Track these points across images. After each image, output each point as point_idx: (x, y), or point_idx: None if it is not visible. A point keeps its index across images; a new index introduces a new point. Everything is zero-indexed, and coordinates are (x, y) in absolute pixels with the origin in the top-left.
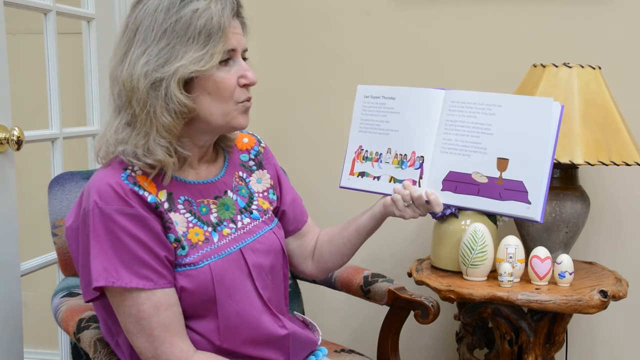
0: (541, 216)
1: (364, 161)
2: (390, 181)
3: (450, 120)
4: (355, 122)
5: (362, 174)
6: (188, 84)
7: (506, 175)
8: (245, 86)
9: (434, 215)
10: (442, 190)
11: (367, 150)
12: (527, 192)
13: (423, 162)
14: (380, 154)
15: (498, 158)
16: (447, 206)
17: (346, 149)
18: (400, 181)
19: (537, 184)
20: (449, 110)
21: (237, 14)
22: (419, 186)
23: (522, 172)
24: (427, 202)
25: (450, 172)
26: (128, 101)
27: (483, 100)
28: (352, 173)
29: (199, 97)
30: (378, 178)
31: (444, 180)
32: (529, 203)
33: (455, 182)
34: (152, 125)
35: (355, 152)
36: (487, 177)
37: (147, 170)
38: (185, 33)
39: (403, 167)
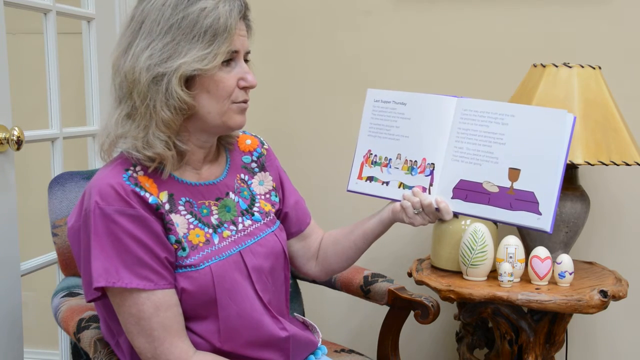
0: (551, 227)
1: (372, 166)
2: (399, 187)
3: (462, 129)
4: (364, 126)
5: (370, 179)
6: (189, 81)
7: (517, 185)
8: (245, 88)
9: None
10: (452, 198)
11: (376, 155)
12: (538, 203)
13: (434, 169)
14: (390, 159)
15: (510, 168)
16: (456, 214)
17: (354, 152)
18: (410, 187)
19: (548, 195)
20: (461, 119)
21: (244, 16)
22: (429, 193)
23: (533, 183)
24: (437, 209)
25: (461, 180)
26: (129, 93)
27: (496, 109)
28: (360, 177)
29: (199, 94)
30: (387, 183)
31: (454, 188)
32: (540, 214)
33: (466, 190)
34: (152, 119)
35: (364, 156)
36: (498, 186)
37: (147, 164)
38: (191, 31)
39: (413, 173)
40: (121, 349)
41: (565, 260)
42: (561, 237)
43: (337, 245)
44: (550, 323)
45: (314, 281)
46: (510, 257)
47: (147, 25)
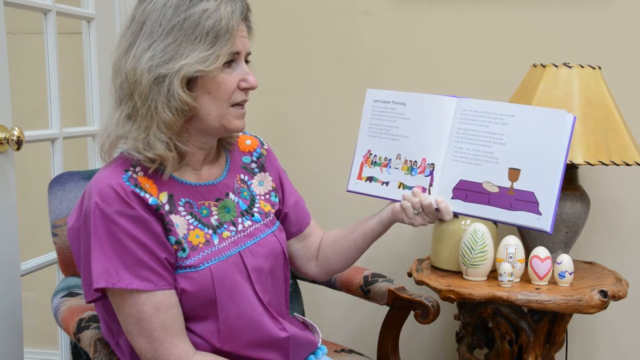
0: (551, 227)
1: (372, 166)
2: (399, 187)
3: (462, 129)
4: (364, 126)
5: (370, 179)
6: (191, 83)
7: (517, 185)
8: (246, 90)
9: None
10: (452, 198)
11: (375, 155)
12: (538, 203)
13: (433, 169)
14: (390, 159)
15: (510, 168)
16: (456, 214)
17: (354, 152)
18: (410, 188)
19: (548, 195)
20: (461, 119)
21: (245, 17)
22: (429, 194)
23: (533, 183)
24: (437, 210)
25: (460, 180)
26: (130, 94)
27: (496, 109)
28: (360, 177)
29: (200, 96)
30: (387, 184)
31: (454, 188)
32: (540, 214)
33: (466, 190)
34: (153, 120)
35: (364, 157)
36: (498, 186)
37: (148, 165)
38: (193, 32)
39: (413, 173)
40: (121, 349)
41: (565, 260)
42: (561, 237)
43: (337, 245)
44: (550, 323)
45: (314, 281)
46: (510, 257)
47: (149, 26)
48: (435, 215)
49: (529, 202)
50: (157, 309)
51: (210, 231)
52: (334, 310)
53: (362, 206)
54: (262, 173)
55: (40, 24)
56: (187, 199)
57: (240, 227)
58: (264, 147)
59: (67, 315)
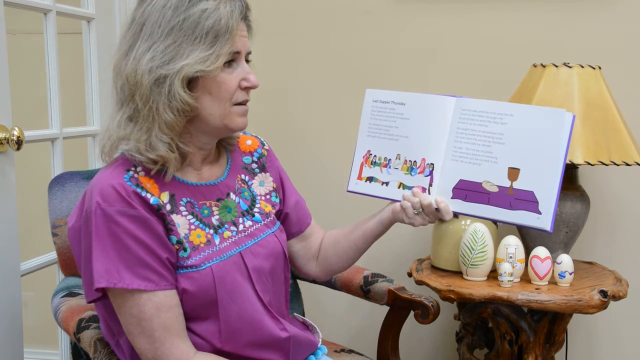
0: (551, 226)
1: (372, 166)
2: (399, 187)
3: (461, 129)
4: (364, 126)
5: (370, 179)
6: (191, 83)
7: (517, 185)
8: (247, 89)
9: None
10: (452, 198)
11: (375, 155)
12: (537, 202)
13: (433, 169)
14: (389, 159)
15: (509, 167)
16: (455, 214)
17: (354, 152)
18: (410, 188)
19: (548, 194)
20: (460, 119)
21: (245, 16)
22: (429, 194)
23: (533, 182)
24: (437, 209)
25: (460, 180)
26: (131, 95)
27: (495, 109)
28: (360, 177)
29: (201, 96)
30: (387, 184)
31: (454, 188)
32: (540, 213)
33: (466, 190)
34: (155, 121)
35: (364, 157)
36: (498, 186)
37: (150, 166)
38: (193, 32)
39: (412, 173)
40: (121, 349)
41: (565, 260)
42: (561, 237)
43: (337, 246)
44: (550, 323)
45: (314, 281)
46: (510, 257)
47: (148, 28)
48: (435, 215)
49: (528, 201)
50: (158, 309)
51: (212, 231)
52: (334, 310)
53: (362, 206)
54: (263, 173)
55: (40, 24)
56: (189, 199)
57: (241, 227)
58: (265, 147)
59: (67, 315)
